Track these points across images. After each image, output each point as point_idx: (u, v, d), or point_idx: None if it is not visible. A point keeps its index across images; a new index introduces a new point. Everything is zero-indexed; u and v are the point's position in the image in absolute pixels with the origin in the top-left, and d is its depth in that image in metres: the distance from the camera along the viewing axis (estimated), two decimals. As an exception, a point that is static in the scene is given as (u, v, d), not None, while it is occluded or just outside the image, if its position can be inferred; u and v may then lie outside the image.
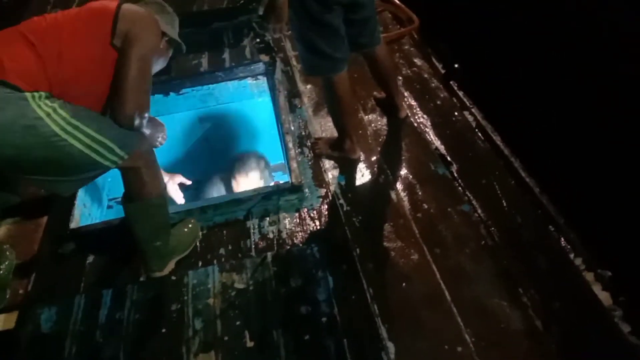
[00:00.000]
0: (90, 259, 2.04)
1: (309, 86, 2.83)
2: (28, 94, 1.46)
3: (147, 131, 1.87)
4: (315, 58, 2.04)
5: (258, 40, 3.16)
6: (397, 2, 3.40)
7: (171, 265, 1.96)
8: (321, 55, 2.01)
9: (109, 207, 2.86)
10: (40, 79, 1.51)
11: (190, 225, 2.05)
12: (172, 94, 3.06)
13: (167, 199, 1.91)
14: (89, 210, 2.45)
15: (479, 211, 2.06)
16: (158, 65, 1.90)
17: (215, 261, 1.98)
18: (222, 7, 3.23)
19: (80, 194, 2.35)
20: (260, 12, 3.11)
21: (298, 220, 2.11)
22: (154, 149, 2.14)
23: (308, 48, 2.03)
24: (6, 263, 1.99)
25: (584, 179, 2.71)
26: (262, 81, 3.11)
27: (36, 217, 2.22)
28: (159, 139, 2.10)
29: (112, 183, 2.86)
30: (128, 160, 1.66)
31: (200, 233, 2.08)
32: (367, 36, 2.17)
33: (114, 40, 1.63)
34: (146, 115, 1.71)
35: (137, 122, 1.67)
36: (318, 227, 2.08)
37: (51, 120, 1.47)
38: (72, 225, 2.16)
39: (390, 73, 2.44)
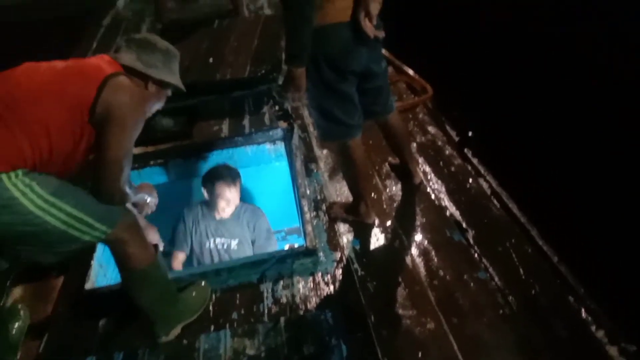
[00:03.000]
0: (104, 320, 2.03)
1: (325, 151, 2.90)
2: (4, 175, 1.44)
3: (134, 198, 1.89)
4: (331, 124, 2.10)
5: (277, 107, 3.28)
6: (411, 72, 3.54)
7: (177, 330, 1.93)
8: (336, 121, 2.07)
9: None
10: (14, 155, 1.46)
11: (198, 289, 2.04)
12: (192, 158, 3.15)
13: (160, 266, 1.85)
14: (105, 270, 2.46)
15: (496, 279, 2.02)
16: (154, 109, 1.86)
17: (227, 325, 1.96)
18: (244, 76, 3.37)
19: (98, 253, 2.37)
20: (280, 82, 3.28)
21: (312, 285, 2.10)
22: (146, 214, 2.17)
23: (323, 115, 2.10)
24: (19, 323, 2.00)
25: (604, 246, 2.66)
26: (280, 146, 3.20)
27: (53, 277, 2.24)
28: (151, 205, 2.13)
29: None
30: (112, 234, 1.65)
31: (214, 296, 2.07)
32: (380, 104, 2.25)
33: (94, 112, 1.56)
34: (127, 191, 1.71)
35: (117, 199, 1.67)
36: (332, 292, 2.06)
37: (27, 199, 1.46)
38: (88, 285, 2.17)
39: (403, 140, 2.50)
